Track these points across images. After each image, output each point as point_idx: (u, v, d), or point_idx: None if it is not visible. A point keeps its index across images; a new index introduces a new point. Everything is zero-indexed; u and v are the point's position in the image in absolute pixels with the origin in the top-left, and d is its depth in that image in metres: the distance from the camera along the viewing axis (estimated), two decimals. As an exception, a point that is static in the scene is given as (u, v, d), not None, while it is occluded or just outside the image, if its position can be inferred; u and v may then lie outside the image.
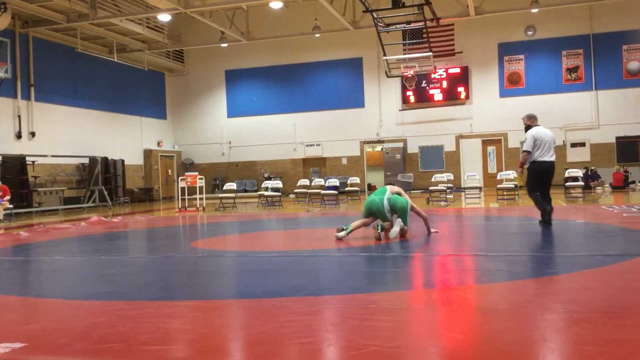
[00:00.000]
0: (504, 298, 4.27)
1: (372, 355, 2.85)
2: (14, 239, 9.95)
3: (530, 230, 8.38)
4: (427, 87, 23.57)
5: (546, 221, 8.42)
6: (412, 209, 7.91)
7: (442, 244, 7.34)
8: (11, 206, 14.88)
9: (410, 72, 17.92)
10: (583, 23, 22.12)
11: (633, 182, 20.09)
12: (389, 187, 8.03)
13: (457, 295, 4.42)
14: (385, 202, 7.68)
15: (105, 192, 20.21)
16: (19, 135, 18.60)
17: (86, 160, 20.81)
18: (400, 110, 24.07)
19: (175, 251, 7.81)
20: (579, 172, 17.02)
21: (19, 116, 18.69)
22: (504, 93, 23.10)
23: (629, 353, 2.77)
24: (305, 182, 18.94)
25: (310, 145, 25.21)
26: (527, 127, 8.71)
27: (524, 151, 8.57)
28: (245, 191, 24.06)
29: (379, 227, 7.45)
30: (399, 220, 7.60)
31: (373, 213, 7.76)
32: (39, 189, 18.34)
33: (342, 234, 7.63)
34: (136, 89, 24.52)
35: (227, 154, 26.32)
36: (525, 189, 8.92)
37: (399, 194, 7.92)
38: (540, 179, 8.53)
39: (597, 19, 21.98)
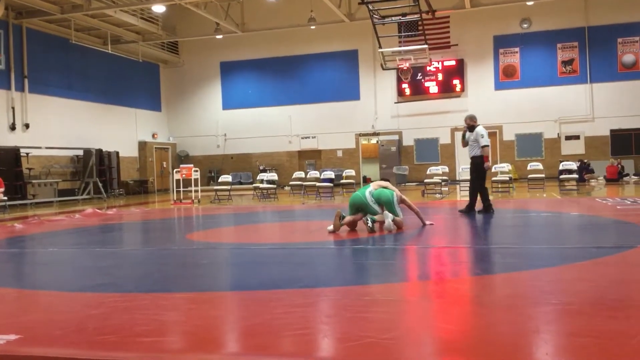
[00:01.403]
0: (498, 290, 4.30)
1: (367, 346, 2.87)
2: (8, 231, 9.92)
3: (525, 223, 8.42)
4: (423, 80, 23.54)
5: (473, 211, 9.44)
6: (403, 202, 7.96)
7: (437, 236, 7.36)
8: (5, 198, 14.84)
9: (405, 65, 17.90)
10: (578, 16, 22.12)
11: (627, 175, 20.16)
12: (372, 184, 8.13)
13: (451, 287, 4.44)
14: (367, 194, 7.73)
15: (100, 184, 20.14)
16: (12, 127, 18.49)
17: (80, 152, 20.71)
18: (395, 102, 24.05)
19: (171, 243, 7.81)
20: (573, 165, 17.05)
21: (13, 108, 18.57)
22: (499, 86, 23.10)
23: (622, 344, 2.79)
24: (301, 174, 18.92)
25: (306, 138, 25.18)
26: (471, 127, 9.57)
27: (486, 146, 9.44)
28: (241, 183, 24.02)
29: (369, 221, 7.47)
30: (387, 212, 7.63)
31: (359, 209, 7.78)
32: (33, 181, 18.25)
33: (331, 227, 7.64)
34: (131, 81, 24.39)
35: (222, 146, 26.26)
36: (474, 183, 9.71)
37: (386, 187, 7.96)
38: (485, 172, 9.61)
39: (593, 11, 21.97)
